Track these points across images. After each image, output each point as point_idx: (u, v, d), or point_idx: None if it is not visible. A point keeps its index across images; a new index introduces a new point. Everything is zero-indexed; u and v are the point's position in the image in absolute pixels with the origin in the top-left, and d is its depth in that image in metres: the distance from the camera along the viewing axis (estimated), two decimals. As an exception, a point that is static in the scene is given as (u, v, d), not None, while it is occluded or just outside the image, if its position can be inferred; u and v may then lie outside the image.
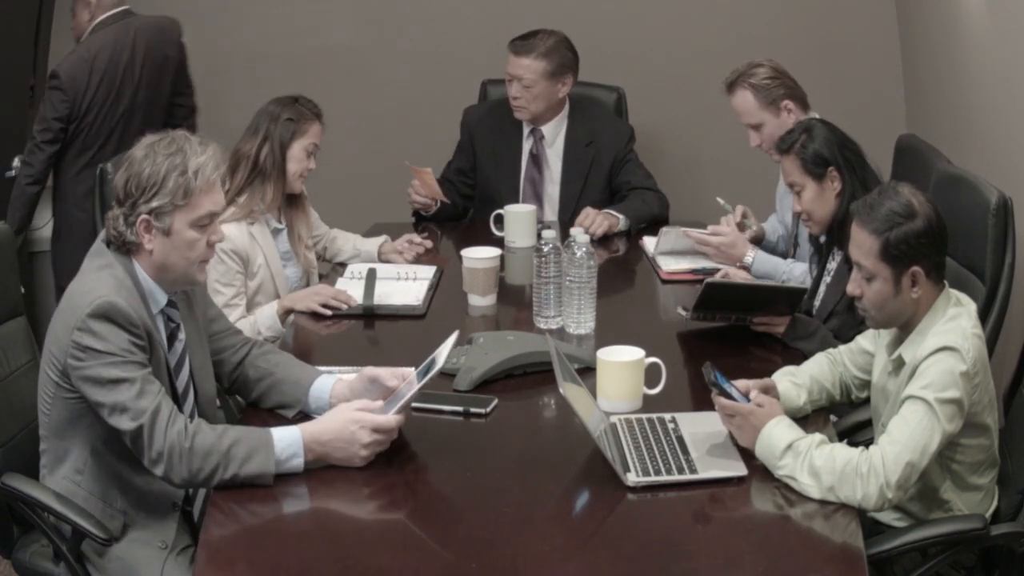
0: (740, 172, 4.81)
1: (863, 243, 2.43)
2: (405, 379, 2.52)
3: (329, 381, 2.63)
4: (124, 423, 2.32)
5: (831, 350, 2.75)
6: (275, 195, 3.39)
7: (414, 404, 2.60)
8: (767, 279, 3.44)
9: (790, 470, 2.28)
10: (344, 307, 3.28)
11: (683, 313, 3.06)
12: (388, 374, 2.54)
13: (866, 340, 2.69)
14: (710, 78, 4.83)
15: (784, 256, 3.67)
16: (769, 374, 2.63)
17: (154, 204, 2.39)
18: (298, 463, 2.35)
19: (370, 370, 2.57)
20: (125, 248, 2.44)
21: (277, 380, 2.64)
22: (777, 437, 2.32)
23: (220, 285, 3.27)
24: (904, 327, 2.48)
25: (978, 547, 2.42)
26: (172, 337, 2.53)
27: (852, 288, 2.48)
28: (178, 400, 2.52)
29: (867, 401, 2.71)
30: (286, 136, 3.36)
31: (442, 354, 2.48)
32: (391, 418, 2.39)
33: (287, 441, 2.35)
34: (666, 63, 4.89)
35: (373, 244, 3.75)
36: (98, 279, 2.40)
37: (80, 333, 2.33)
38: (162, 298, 2.48)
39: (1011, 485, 2.52)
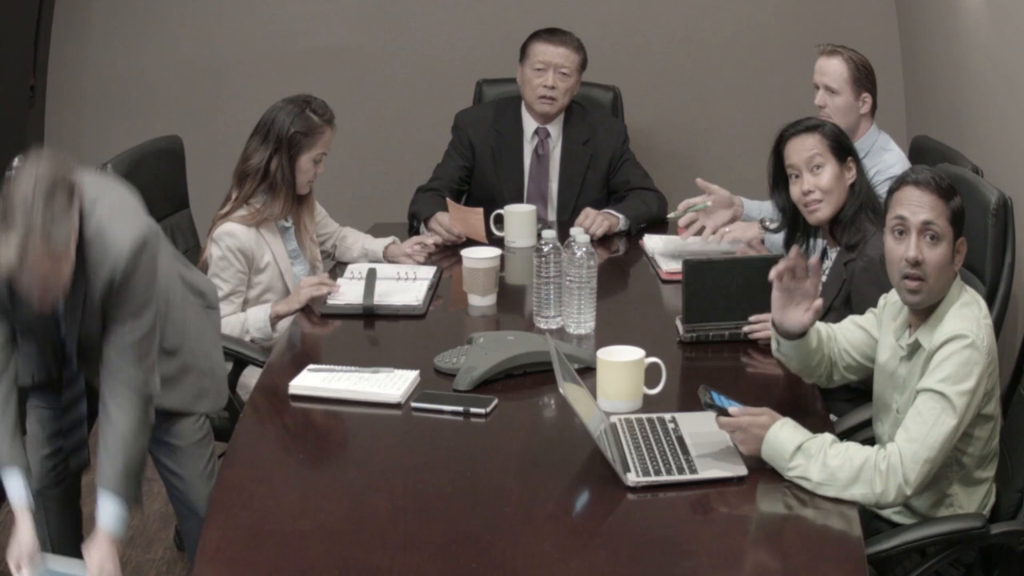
0: (737, 170, 4.80)
1: (934, 205, 2.40)
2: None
3: None
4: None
5: (827, 324, 2.73)
6: (285, 204, 3.41)
7: (414, 404, 2.61)
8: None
9: (802, 471, 2.28)
10: (328, 291, 3.29)
11: (680, 330, 3.04)
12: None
13: (867, 321, 2.68)
14: (707, 77, 4.87)
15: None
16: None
17: None
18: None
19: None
20: None
21: None
22: (784, 439, 2.31)
23: (220, 281, 3.29)
24: (924, 310, 2.46)
25: (978, 546, 2.43)
26: None
27: (914, 252, 2.39)
28: None
29: (853, 394, 2.69)
30: (295, 150, 3.36)
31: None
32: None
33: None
34: (662, 62, 4.89)
35: (379, 245, 3.74)
36: None
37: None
38: None
39: (1011, 483, 2.52)
